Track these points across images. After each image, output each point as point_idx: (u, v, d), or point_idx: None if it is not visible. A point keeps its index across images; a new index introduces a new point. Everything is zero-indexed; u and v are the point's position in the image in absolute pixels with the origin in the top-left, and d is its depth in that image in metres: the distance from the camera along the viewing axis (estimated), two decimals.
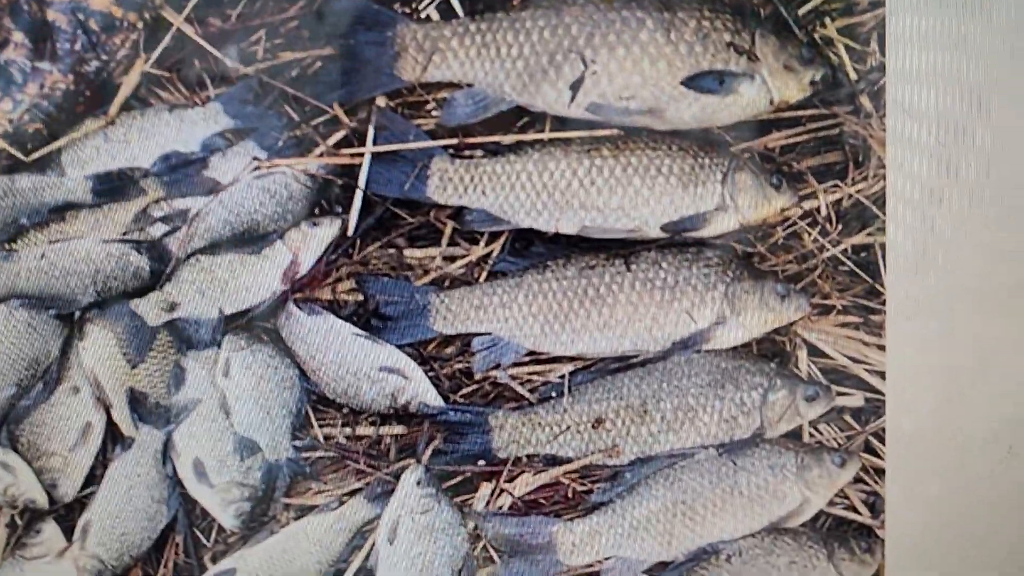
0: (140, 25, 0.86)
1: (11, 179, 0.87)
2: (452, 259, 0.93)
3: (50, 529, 0.90)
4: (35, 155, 0.86)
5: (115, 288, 0.89)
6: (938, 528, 0.96)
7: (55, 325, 0.89)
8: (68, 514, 0.92)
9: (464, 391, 0.93)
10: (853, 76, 0.92)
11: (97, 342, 0.88)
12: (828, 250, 0.94)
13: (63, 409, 0.90)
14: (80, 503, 0.92)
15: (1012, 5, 0.93)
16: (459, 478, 0.93)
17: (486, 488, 0.93)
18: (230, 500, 0.90)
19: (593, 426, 0.94)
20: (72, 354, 0.90)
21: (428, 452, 0.93)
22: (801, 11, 0.92)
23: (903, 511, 0.96)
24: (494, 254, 0.93)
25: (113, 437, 0.92)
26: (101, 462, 0.91)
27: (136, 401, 0.90)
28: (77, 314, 0.89)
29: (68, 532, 0.91)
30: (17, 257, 0.88)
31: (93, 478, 0.91)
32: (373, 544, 0.92)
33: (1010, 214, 0.95)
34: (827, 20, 0.92)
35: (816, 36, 0.92)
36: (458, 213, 0.92)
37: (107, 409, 0.90)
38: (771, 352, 0.96)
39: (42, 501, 0.89)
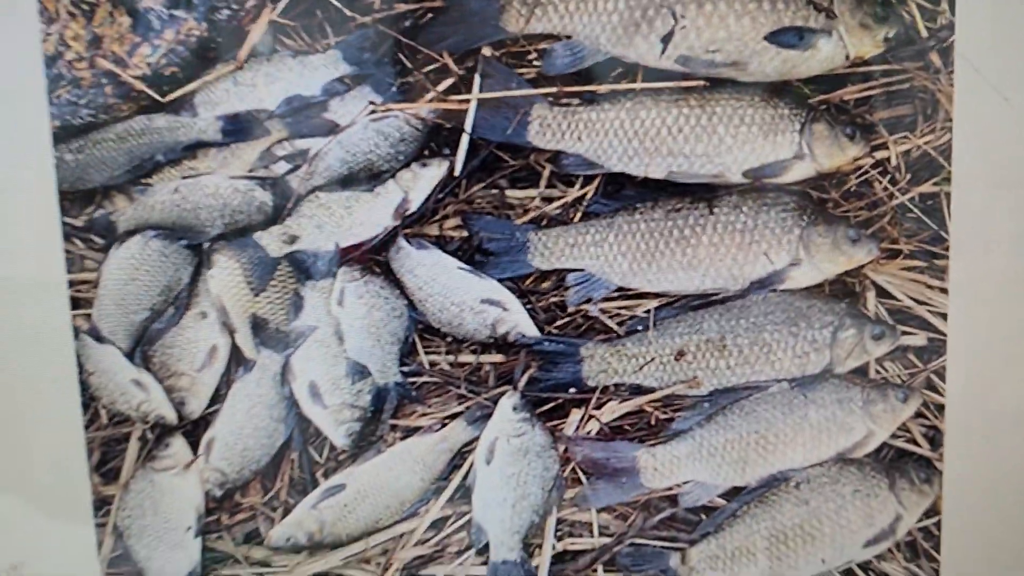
0: None
1: (149, 118, 0.98)
2: (549, 200, 1.03)
3: (178, 443, 1.02)
4: (171, 96, 0.97)
5: (241, 221, 1.00)
6: (994, 462, 1.05)
7: (186, 255, 1.00)
8: (195, 430, 1.04)
9: (558, 323, 1.04)
10: (924, 33, 1.01)
11: (224, 271, 0.99)
12: (897, 198, 1.04)
13: (192, 333, 1.01)
14: (206, 420, 1.03)
15: None
16: (551, 404, 1.04)
17: (576, 414, 1.04)
18: (342, 420, 1.02)
19: (675, 358, 1.04)
20: (200, 282, 1.01)
21: (524, 379, 1.03)
22: None
23: (961, 445, 1.05)
24: (588, 196, 1.03)
25: (237, 359, 1.03)
26: (225, 382, 1.03)
27: (258, 326, 1.01)
28: (206, 245, 1.00)
29: (194, 446, 1.03)
30: (153, 191, 0.99)
31: (218, 397, 1.03)
32: (472, 464, 1.03)
33: None
34: None
35: None
36: (556, 157, 1.02)
37: (232, 333, 1.02)
38: (842, 293, 1.06)
39: (171, 417, 1.01)
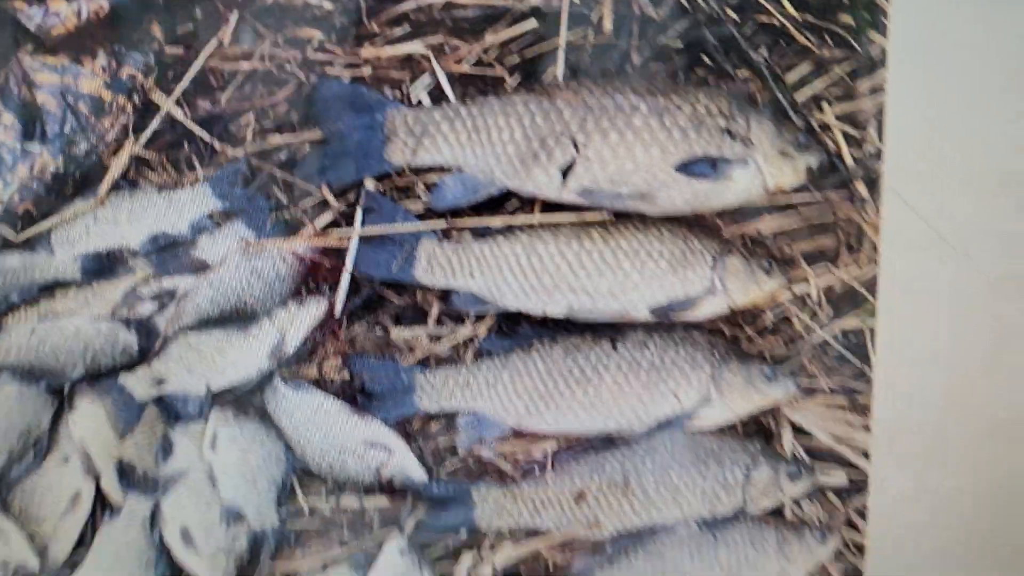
0: (129, 108, 1.13)
1: (1, 257, 1.16)
2: (438, 339, 1.23)
3: None
4: (24, 234, 1.15)
5: (104, 364, 1.18)
6: None
7: (46, 397, 1.19)
8: None
9: (449, 467, 1.26)
10: (849, 162, 1.21)
11: (87, 415, 1.19)
12: (817, 333, 1.27)
13: (53, 477, 1.21)
14: (71, 566, 1.23)
15: (1013, 96, 1.34)
16: (441, 549, 1.27)
17: (467, 558, 1.27)
18: (217, 567, 1.21)
19: (575, 501, 1.26)
20: (62, 425, 1.20)
21: (411, 524, 1.25)
22: (799, 96, 1.19)
23: None
24: (480, 334, 1.24)
25: (102, 503, 1.23)
26: (91, 527, 1.23)
27: (124, 471, 1.21)
28: (67, 387, 1.19)
29: None
30: (8, 333, 1.18)
31: (83, 542, 1.23)
32: None
33: (1007, 328, 1.26)
34: (825, 106, 1.21)
35: (813, 122, 1.20)
36: (446, 294, 1.20)
37: (96, 478, 1.20)
38: (756, 430, 1.27)
39: (33, 564, 1.21)
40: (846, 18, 1.21)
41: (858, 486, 1.31)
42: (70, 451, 1.23)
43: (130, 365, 1.21)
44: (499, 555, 1.29)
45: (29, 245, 1.19)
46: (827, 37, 1.22)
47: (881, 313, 1.27)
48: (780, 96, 1.22)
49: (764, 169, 1.19)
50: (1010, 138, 1.18)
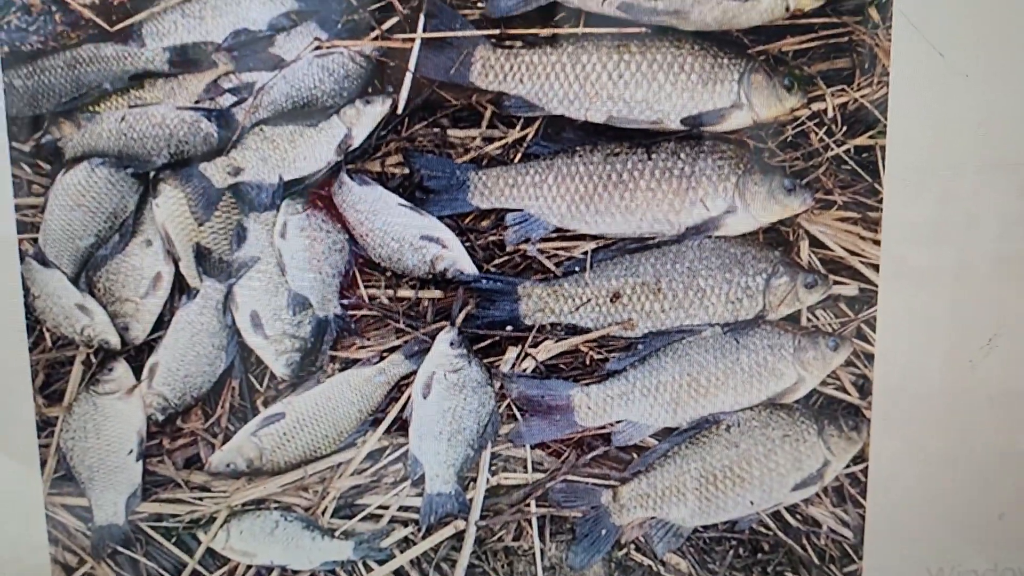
0: None
1: (96, 47, 1.28)
2: (490, 140, 1.37)
3: (121, 368, 1.35)
4: (119, 26, 1.27)
5: (187, 151, 1.31)
6: (922, 411, 1.42)
7: (132, 182, 1.32)
8: (138, 355, 1.37)
9: (496, 262, 1.38)
10: None
11: (169, 200, 1.32)
12: (833, 149, 1.38)
13: (136, 260, 1.34)
14: (149, 346, 1.36)
15: None
16: (488, 341, 1.39)
17: (512, 352, 1.39)
18: (282, 350, 1.36)
19: (611, 300, 1.39)
20: (146, 210, 1.33)
21: (461, 316, 1.37)
22: None
23: (889, 394, 1.41)
24: (528, 137, 1.36)
25: (181, 287, 1.35)
26: (169, 310, 1.35)
27: (201, 256, 1.34)
28: (152, 173, 1.32)
29: (137, 371, 1.36)
30: (100, 119, 1.30)
31: (161, 324, 1.36)
32: (409, 397, 1.37)
33: (1007, 116, 1.38)
34: None
35: None
36: (497, 98, 1.34)
37: (176, 262, 1.33)
38: (776, 241, 1.35)
39: (115, 342, 1.34)
40: None
41: (868, 297, 1.41)
42: (152, 235, 1.36)
43: (210, 154, 1.33)
44: (541, 349, 1.41)
45: (122, 36, 1.30)
46: None
47: (891, 132, 1.39)
48: None
49: None
50: None
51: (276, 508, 1.40)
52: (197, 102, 1.33)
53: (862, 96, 1.39)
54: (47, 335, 1.35)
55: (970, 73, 1.38)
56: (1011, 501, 1.46)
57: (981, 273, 1.43)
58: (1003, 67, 1.38)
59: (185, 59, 1.31)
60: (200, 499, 1.40)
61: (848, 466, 1.41)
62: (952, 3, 1.36)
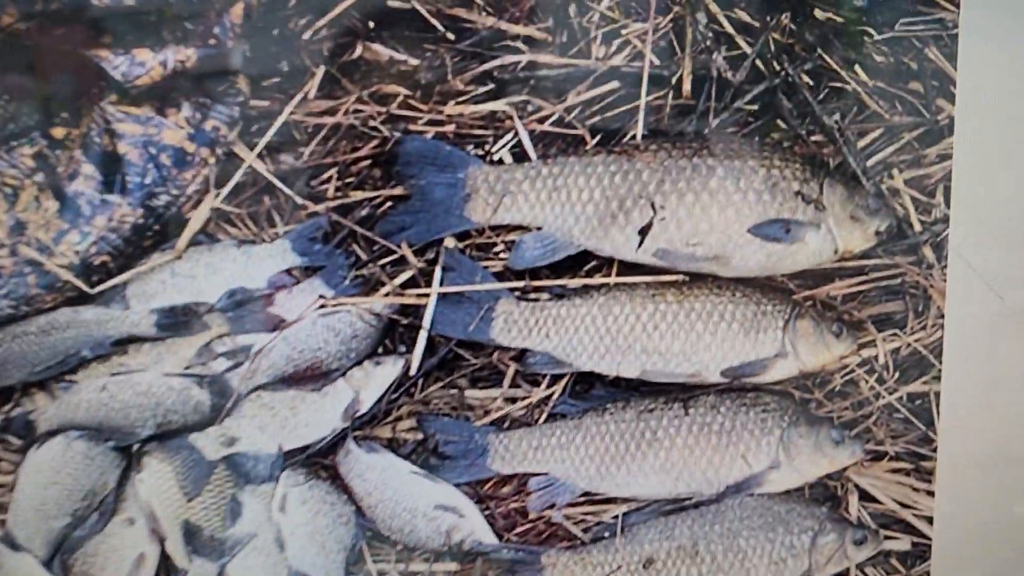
0: (212, 161, 1.19)
1: (75, 311, 1.20)
2: (513, 400, 1.30)
3: None
4: (100, 287, 1.20)
5: (175, 422, 1.22)
6: None
7: (113, 456, 1.23)
8: None
9: (518, 530, 1.31)
10: (917, 227, 1.30)
11: (154, 475, 1.22)
12: (884, 397, 1.34)
13: (117, 540, 1.24)
14: None
15: None
16: None
17: None
18: None
19: (644, 567, 1.31)
20: (128, 485, 1.24)
21: None
22: (869, 162, 1.28)
23: None
24: (555, 396, 1.30)
25: (167, 568, 1.26)
26: None
27: (191, 534, 1.24)
28: (135, 446, 1.23)
29: None
30: (78, 389, 1.21)
31: None
32: None
33: None
34: (895, 171, 1.30)
35: (883, 187, 1.29)
36: (521, 355, 1.27)
37: (161, 541, 1.24)
38: (823, 496, 1.34)
39: None
40: (916, 85, 1.31)
41: (921, 552, 1.37)
42: (136, 512, 1.27)
43: (201, 424, 1.26)
44: None
45: (104, 299, 1.23)
46: (897, 104, 1.32)
47: (946, 377, 1.36)
48: (852, 160, 1.31)
49: (835, 232, 1.28)
50: None
51: None
52: (187, 368, 1.26)
53: (915, 340, 1.36)
54: None
55: None
56: None
57: None
58: None
59: (175, 321, 1.25)
60: None
61: None
62: (1009, 243, 1.34)
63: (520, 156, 1.28)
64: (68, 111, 1.18)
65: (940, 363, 1.34)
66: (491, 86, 1.26)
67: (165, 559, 1.29)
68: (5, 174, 1.19)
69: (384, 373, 1.28)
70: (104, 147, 1.19)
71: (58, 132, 1.19)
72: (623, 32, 1.27)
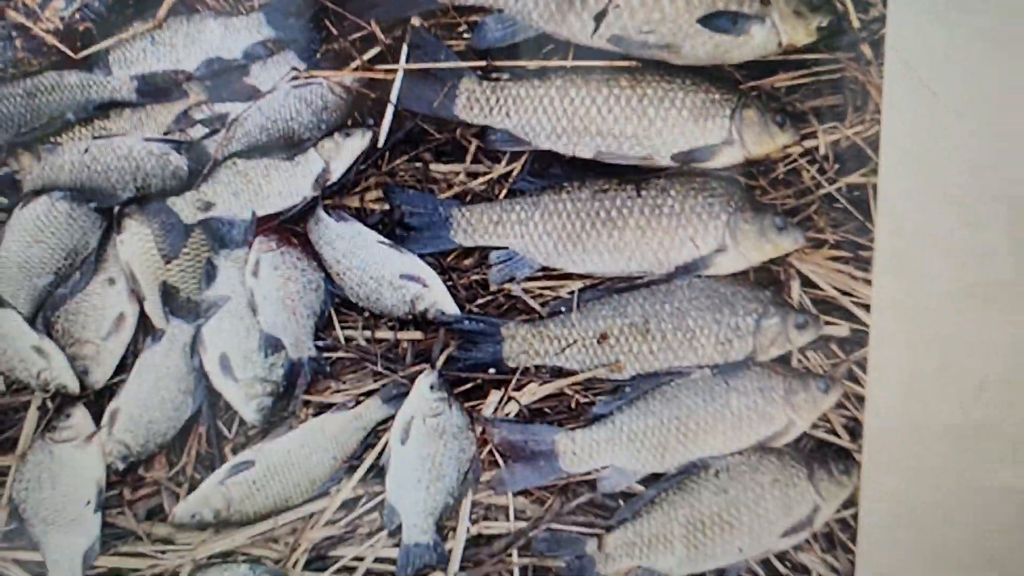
0: None
1: (60, 75, 1.29)
2: (475, 175, 1.41)
3: (79, 414, 1.35)
4: (84, 53, 1.29)
5: (154, 185, 1.32)
6: (913, 455, 1.45)
7: (94, 218, 1.33)
8: (98, 400, 1.37)
9: (479, 302, 1.41)
10: (856, 24, 1.40)
11: (134, 236, 1.32)
12: (824, 187, 1.43)
13: (98, 299, 1.35)
14: (110, 390, 1.37)
15: None
16: (470, 384, 1.42)
17: (495, 395, 1.42)
18: (253, 395, 1.37)
19: (598, 341, 1.42)
20: (109, 247, 1.34)
21: (442, 358, 1.40)
22: None
23: (881, 437, 1.44)
24: (514, 173, 1.41)
25: (145, 329, 1.36)
26: (132, 352, 1.36)
27: (168, 295, 1.35)
28: (116, 208, 1.32)
29: (97, 417, 1.36)
30: (61, 151, 1.31)
31: (124, 367, 1.37)
32: (386, 443, 1.40)
33: (999, 155, 1.42)
34: None
35: None
36: (483, 132, 1.38)
37: (140, 301, 1.35)
38: (767, 281, 1.40)
39: (73, 386, 1.34)
40: None
41: (860, 338, 1.46)
42: (116, 273, 1.37)
43: (179, 188, 1.35)
44: (525, 393, 1.44)
45: (87, 64, 1.32)
46: None
47: (883, 170, 1.43)
48: None
49: (779, 26, 1.36)
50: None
51: (244, 561, 1.40)
52: (166, 133, 1.35)
53: (854, 133, 1.45)
54: (0, 379, 1.36)
55: (962, 112, 1.42)
56: (1001, 544, 1.49)
57: (972, 311, 1.47)
58: (995, 105, 1.43)
59: (154, 88, 1.33)
60: (163, 552, 1.41)
61: (838, 511, 1.45)
62: (945, 41, 1.41)
63: None
64: None
65: (877, 156, 1.41)
66: None
67: (143, 319, 1.39)
68: None
69: (353, 144, 1.37)
70: None
71: None
72: None
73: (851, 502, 1.45)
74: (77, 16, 1.28)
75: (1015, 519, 1.48)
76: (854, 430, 1.46)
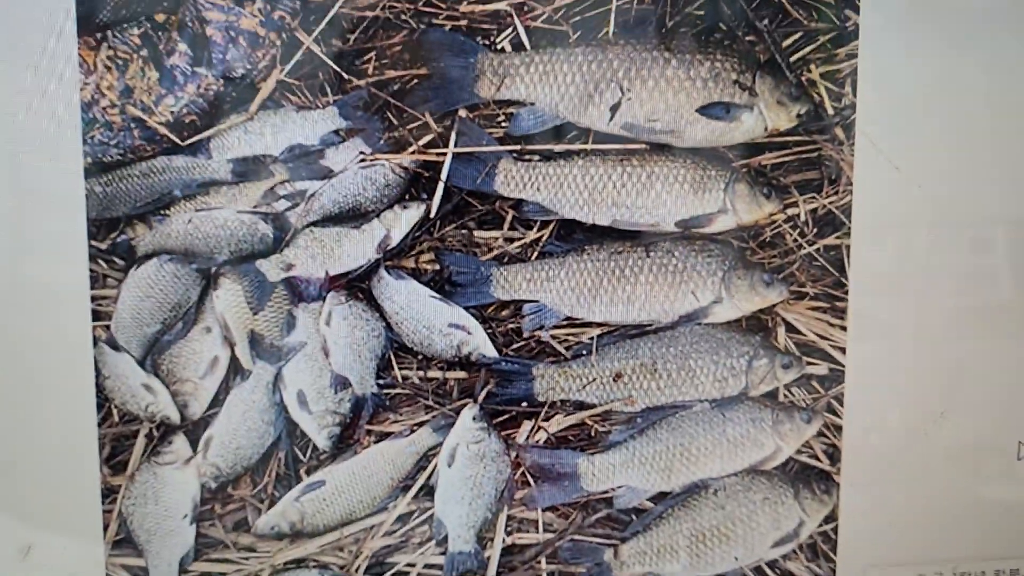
0: (278, 42, 1.45)
1: (169, 158, 1.46)
2: (511, 240, 1.50)
3: (180, 441, 1.50)
4: (189, 140, 1.39)
5: (245, 250, 1.43)
6: (885, 476, 1.53)
7: (195, 277, 1.49)
8: (195, 430, 1.50)
9: (514, 346, 1.50)
10: (831, 111, 1.48)
11: (228, 292, 1.49)
12: (805, 248, 1.50)
13: (197, 345, 1.50)
14: (205, 421, 1.50)
15: (970, 62, 1.60)
16: (506, 416, 1.48)
17: (527, 425, 1.50)
18: (324, 425, 1.52)
19: (614, 379, 1.50)
20: (207, 301, 1.49)
21: (483, 394, 1.49)
22: (792, 58, 1.51)
23: (856, 460, 1.52)
24: (544, 238, 1.49)
25: (235, 369, 1.46)
26: (224, 389, 1.45)
27: (255, 341, 1.51)
28: (213, 268, 1.41)
29: (194, 444, 1.44)
30: (169, 221, 1.47)
31: (217, 401, 1.51)
32: (435, 466, 1.47)
33: (951, 225, 1.60)
34: (812, 66, 1.46)
35: (803, 78, 1.45)
36: (518, 204, 1.46)
37: (232, 346, 1.50)
38: (756, 327, 1.49)
39: (175, 418, 1.50)
40: None
41: (837, 376, 1.53)
42: (212, 323, 1.53)
43: (265, 252, 1.45)
44: (552, 423, 1.53)
45: (192, 150, 1.47)
46: (814, 12, 1.47)
47: (854, 232, 1.60)
48: (778, 57, 1.48)
49: (765, 114, 1.47)
50: (956, 89, 1.58)
51: (314, 567, 1.54)
52: (256, 207, 1.49)
53: (830, 203, 1.58)
54: (115, 411, 1.49)
55: (922, 184, 1.61)
56: (967, 552, 1.64)
57: (931, 350, 1.64)
58: (950, 177, 1.62)
59: (246, 169, 1.48)
60: (246, 559, 1.53)
61: (820, 525, 1.53)
62: (908, 125, 1.59)
63: (518, 46, 1.45)
64: (168, 1, 1.42)
65: (849, 221, 1.51)
66: None
67: (234, 361, 1.54)
68: (118, 49, 1.43)
69: (410, 215, 1.48)
70: (195, 30, 1.43)
71: (160, 17, 1.43)
72: None
73: (831, 517, 1.53)
74: (184, 110, 1.43)
75: (978, 532, 1.64)
76: (833, 455, 1.53)
